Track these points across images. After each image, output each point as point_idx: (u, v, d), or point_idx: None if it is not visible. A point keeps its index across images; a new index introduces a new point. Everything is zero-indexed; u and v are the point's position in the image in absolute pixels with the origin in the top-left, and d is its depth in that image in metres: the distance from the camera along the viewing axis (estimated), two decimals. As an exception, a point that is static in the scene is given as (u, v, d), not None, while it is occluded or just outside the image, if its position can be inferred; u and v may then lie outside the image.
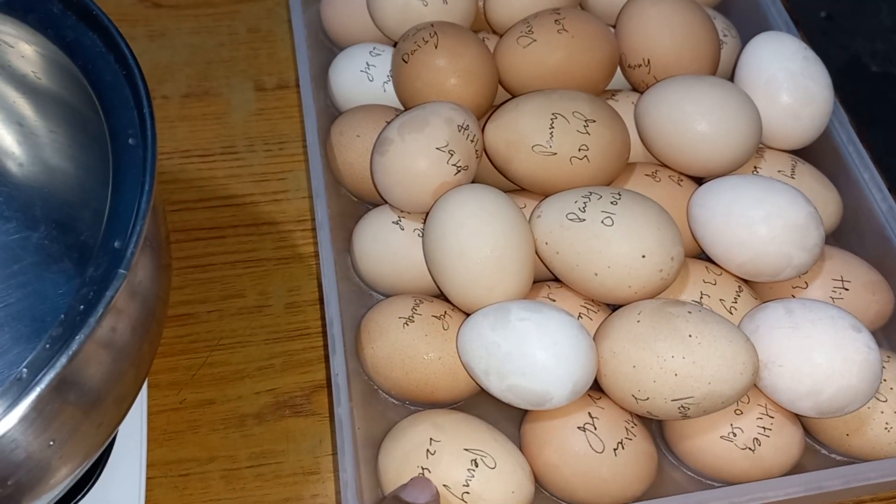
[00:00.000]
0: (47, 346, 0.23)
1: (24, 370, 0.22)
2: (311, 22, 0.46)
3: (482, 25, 0.44)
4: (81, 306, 0.24)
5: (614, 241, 0.32)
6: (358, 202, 0.41)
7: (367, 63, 0.42)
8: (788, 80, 0.37)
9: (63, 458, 0.26)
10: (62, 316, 0.23)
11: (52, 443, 0.24)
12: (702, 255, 0.36)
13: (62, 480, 0.27)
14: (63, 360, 0.22)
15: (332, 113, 0.43)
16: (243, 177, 0.44)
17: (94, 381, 0.26)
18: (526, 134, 0.35)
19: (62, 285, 0.36)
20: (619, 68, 0.41)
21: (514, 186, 0.38)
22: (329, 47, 0.47)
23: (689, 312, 0.30)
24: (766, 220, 0.33)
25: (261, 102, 0.47)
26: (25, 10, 0.30)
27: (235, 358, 0.38)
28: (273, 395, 0.37)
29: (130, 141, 0.27)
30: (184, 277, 0.40)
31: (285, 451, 0.36)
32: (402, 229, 0.36)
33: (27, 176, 0.37)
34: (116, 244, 0.24)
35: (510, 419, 0.34)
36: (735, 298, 0.34)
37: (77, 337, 0.22)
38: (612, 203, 0.33)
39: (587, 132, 0.35)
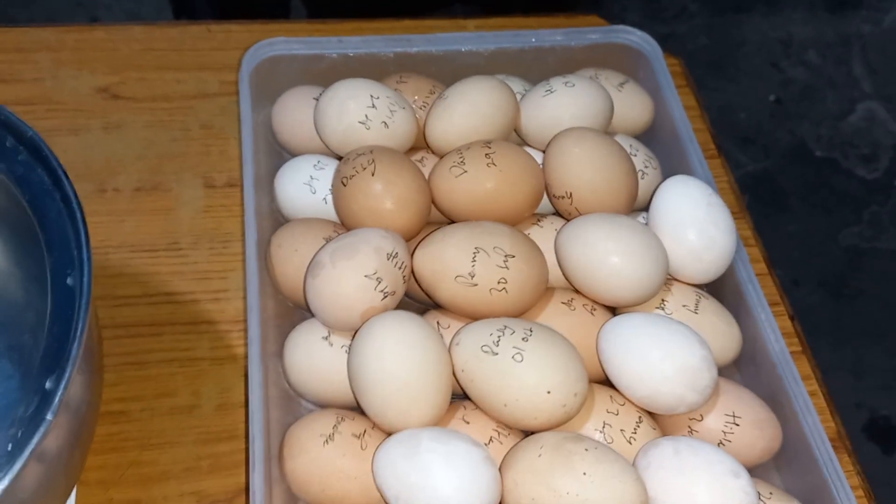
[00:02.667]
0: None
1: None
2: (263, 124, 0.49)
3: (423, 144, 0.47)
4: (9, 445, 0.25)
5: (523, 376, 0.35)
6: (294, 307, 0.43)
7: (310, 176, 0.45)
8: (693, 225, 0.40)
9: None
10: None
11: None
12: (607, 381, 0.39)
13: None
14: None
15: (277, 217, 0.46)
16: (186, 274, 0.46)
17: (26, 495, 0.27)
18: (450, 265, 0.38)
19: (0, 384, 0.37)
20: (545, 196, 0.44)
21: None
22: (278, 150, 0.49)
23: (586, 450, 0.33)
24: (661, 360, 0.36)
25: (209, 199, 0.49)
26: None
27: (164, 458, 0.40)
28: (197, 498, 0.39)
29: (69, 281, 0.29)
30: (120, 374, 0.42)
31: (205, 555, 0.37)
32: (331, 345, 0.39)
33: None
34: (48, 385, 0.26)
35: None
36: (635, 429, 0.36)
37: (4, 480, 0.24)
38: (523, 339, 0.35)
39: (506, 266, 0.38)
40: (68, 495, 0.32)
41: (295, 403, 0.40)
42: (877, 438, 1.10)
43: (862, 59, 1.62)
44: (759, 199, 1.32)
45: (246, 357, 0.43)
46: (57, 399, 0.26)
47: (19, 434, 0.26)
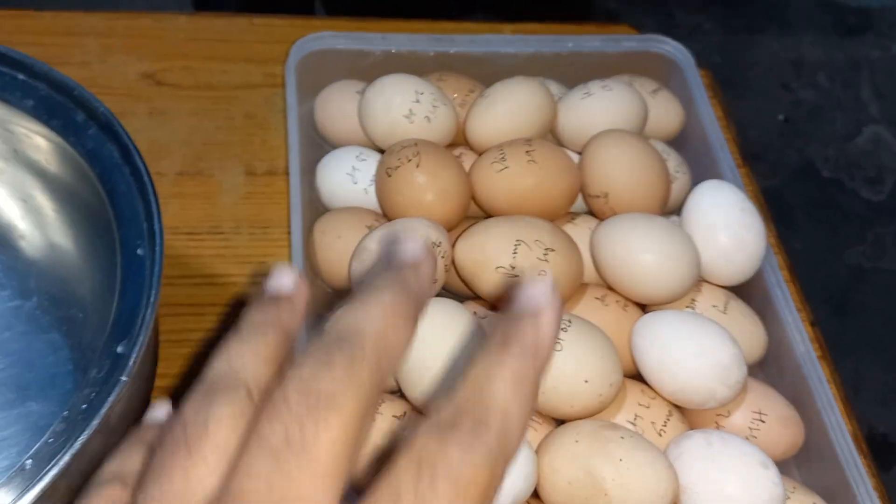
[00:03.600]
0: (50, 440, 0.26)
1: (29, 461, 0.25)
2: (304, 116, 0.50)
3: (461, 140, 0.48)
4: (83, 405, 0.27)
5: (561, 365, 0.36)
6: (332, 294, 0.44)
7: (352, 167, 0.46)
8: (725, 228, 0.42)
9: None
10: (65, 412, 0.26)
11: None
12: (639, 376, 0.40)
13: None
14: (66, 458, 0.25)
15: (316, 206, 0.47)
16: (227, 257, 0.48)
17: (88, 467, 0.28)
18: (491, 255, 0.39)
19: (49, 355, 0.38)
20: (580, 195, 0.46)
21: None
22: (319, 143, 0.50)
23: (622, 438, 0.34)
24: (695, 356, 0.37)
25: (250, 186, 0.51)
26: (49, 115, 0.33)
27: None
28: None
29: (139, 251, 0.30)
30: (164, 350, 0.43)
31: None
32: (372, 329, 0.40)
33: (27, 248, 0.40)
34: (119, 349, 0.28)
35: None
36: (665, 422, 0.38)
37: (80, 437, 0.25)
38: (562, 329, 0.37)
39: (546, 259, 0.39)
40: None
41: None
42: (874, 454, 1.11)
43: (870, 84, 1.64)
44: (768, 214, 1.34)
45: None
46: (132, 361, 0.27)
47: (92, 395, 0.27)
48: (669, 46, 0.53)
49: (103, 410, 0.26)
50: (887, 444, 1.13)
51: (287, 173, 0.51)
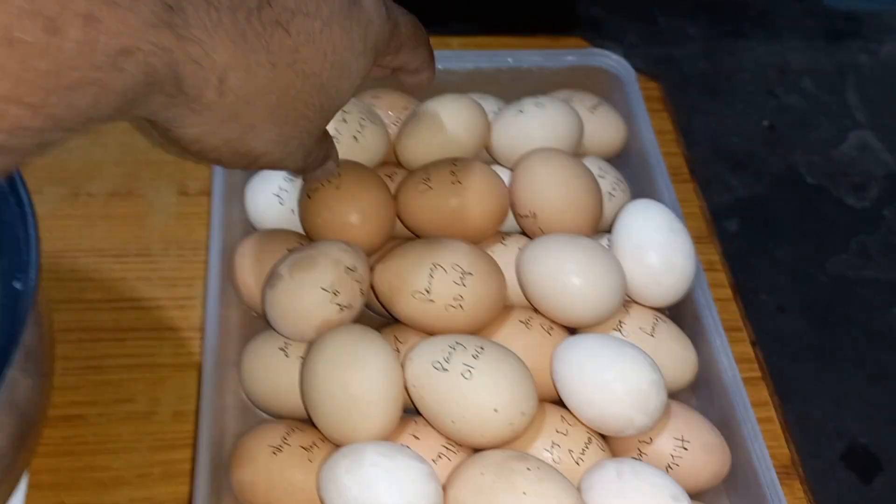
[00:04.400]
0: None
1: None
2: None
3: (395, 158, 0.47)
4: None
5: (470, 393, 0.35)
6: (256, 317, 0.43)
7: (279, 187, 0.45)
8: (654, 249, 0.41)
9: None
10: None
11: None
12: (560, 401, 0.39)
13: None
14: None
15: (246, 227, 0.46)
16: (153, 280, 0.47)
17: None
18: (407, 281, 0.38)
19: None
20: (511, 214, 0.45)
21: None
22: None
23: (528, 469, 0.33)
24: (612, 382, 0.36)
25: (182, 207, 0.50)
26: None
27: (117, 463, 0.40)
28: (148, 504, 0.39)
29: (16, 284, 0.29)
30: (79, 378, 0.42)
31: (153, 561, 0.37)
32: (288, 356, 0.39)
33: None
34: (-16, 388, 0.27)
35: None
36: (583, 450, 0.37)
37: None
38: (473, 356, 0.36)
39: (463, 284, 0.38)
40: (9, 497, 0.32)
41: (251, 413, 0.40)
42: (855, 467, 1.10)
43: (856, 89, 1.63)
44: (748, 224, 1.32)
45: (203, 365, 0.43)
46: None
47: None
48: (612, 60, 0.52)
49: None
50: (868, 457, 1.11)
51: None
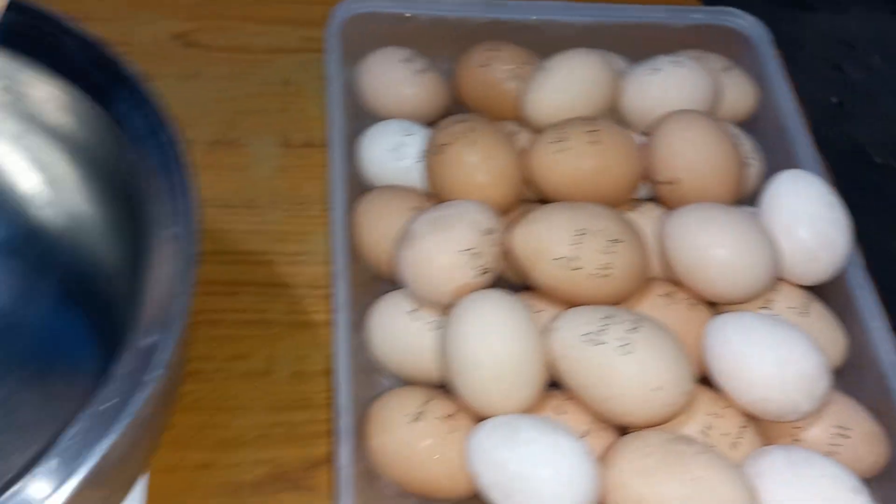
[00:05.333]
0: (77, 437, 0.23)
1: (55, 460, 0.22)
2: (345, 85, 0.46)
3: (511, 115, 0.45)
4: (115, 400, 0.24)
5: (630, 371, 0.33)
6: (376, 277, 0.41)
7: (398, 142, 0.43)
8: (810, 223, 0.38)
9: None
10: (93, 407, 0.24)
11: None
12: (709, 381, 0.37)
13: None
14: (95, 459, 0.22)
15: (356, 182, 0.44)
16: (262, 233, 0.44)
17: (118, 457, 0.26)
18: (550, 245, 0.36)
19: (71, 333, 0.36)
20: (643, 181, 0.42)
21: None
22: (359, 114, 0.47)
23: (698, 453, 0.31)
24: (777, 365, 0.34)
25: (285, 159, 0.48)
26: (75, 75, 0.30)
27: (237, 422, 0.38)
28: (271, 466, 0.37)
29: (171, 230, 0.27)
30: (194, 332, 0.40)
31: (277, 527, 0.36)
32: (418, 320, 0.37)
33: (48, 220, 0.37)
34: (151, 341, 0.25)
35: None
36: (740, 434, 0.34)
37: (109, 437, 0.23)
38: (631, 330, 0.33)
39: (611, 252, 0.36)
40: (151, 456, 0.30)
41: (374, 377, 0.38)
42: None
43: (924, 65, 1.58)
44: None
45: (326, 325, 0.41)
46: (167, 356, 0.24)
47: (124, 390, 0.24)
48: (743, 20, 0.49)
49: (135, 409, 0.24)
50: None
51: (325, 146, 0.48)
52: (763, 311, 0.38)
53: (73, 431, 0.23)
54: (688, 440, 0.32)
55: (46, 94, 0.31)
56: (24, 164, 0.36)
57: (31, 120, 0.33)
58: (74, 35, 0.30)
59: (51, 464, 0.23)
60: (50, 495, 0.22)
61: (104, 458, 0.23)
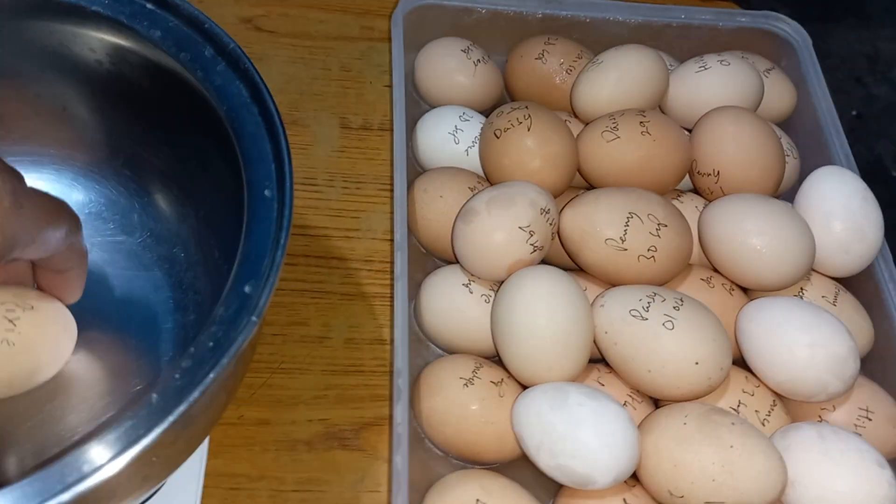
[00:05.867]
0: (176, 375, 0.25)
1: (155, 396, 0.25)
2: (404, 73, 0.49)
3: (563, 106, 0.47)
4: (210, 343, 0.26)
5: (672, 345, 0.35)
6: (426, 254, 0.43)
7: (455, 126, 0.45)
8: (845, 217, 0.40)
9: (159, 471, 0.28)
10: (192, 349, 0.26)
11: (155, 459, 0.27)
12: (742, 362, 0.39)
13: (149, 489, 0.30)
14: (195, 394, 0.24)
15: (411, 164, 0.46)
16: (320, 209, 0.47)
17: (204, 408, 0.28)
18: (601, 227, 0.38)
19: (150, 293, 0.38)
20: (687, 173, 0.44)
21: (573, 264, 0.41)
22: (416, 99, 0.49)
23: (733, 424, 0.33)
24: (809, 346, 0.35)
25: (344, 140, 0.50)
26: (177, 47, 0.32)
27: (293, 383, 0.40)
28: (324, 426, 0.39)
29: (266, 192, 0.29)
30: (255, 298, 0.43)
31: (330, 481, 0.38)
32: (471, 293, 0.39)
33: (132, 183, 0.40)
34: (247, 289, 0.27)
35: (545, 487, 0.36)
36: (769, 412, 0.36)
37: (209, 375, 0.25)
38: (674, 308, 0.35)
39: (658, 235, 0.38)
40: (224, 410, 0.32)
41: (424, 347, 0.41)
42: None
43: (952, 82, 1.58)
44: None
45: (377, 296, 0.44)
46: (262, 302, 0.26)
47: (220, 334, 0.26)
48: (785, 25, 0.51)
49: (233, 349, 0.26)
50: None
51: (381, 129, 0.51)
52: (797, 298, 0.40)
53: (184, 365, 0.25)
54: (724, 412, 0.34)
55: (144, 61, 0.34)
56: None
57: (132, 90, 0.35)
58: (177, 9, 0.32)
59: (152, 399, 0.25)
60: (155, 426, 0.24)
61: (203, 395, 0.25)
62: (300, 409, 0.40)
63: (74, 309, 0.33)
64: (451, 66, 0.48)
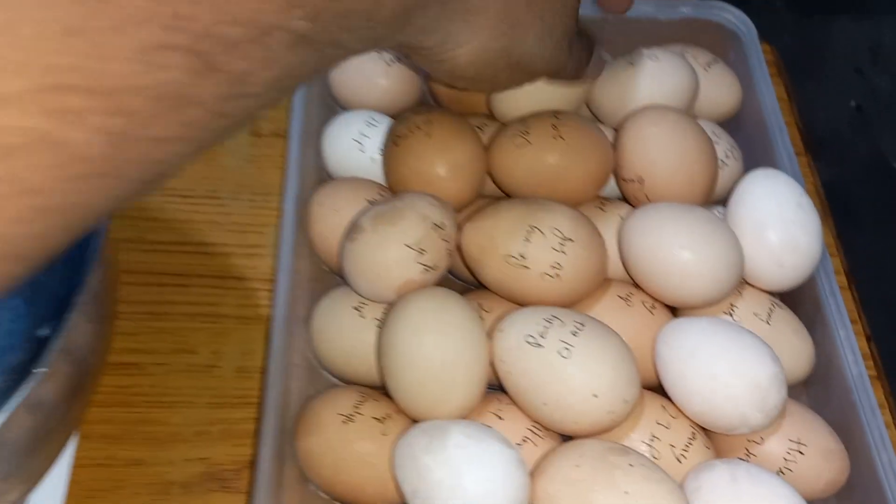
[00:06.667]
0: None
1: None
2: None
3: (484, 109, 0.43)
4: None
5: (567, 375, 0.31)
6: (328, 272, 0.40)
7: (360, 132, 0.41)
8: (777, 225, 0.36)
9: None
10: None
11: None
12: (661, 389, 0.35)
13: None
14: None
15: (321, 174, 0.43)
16: (222, 224, 0.44)
17: (19, 444, 0.25)
18: (500, 243, 0.34)
19: (8, 323, 0.35)
20: (613, 178, 0.40)
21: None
22: (331, 103, 0.46)
23: (631, 465, 0.29)
24: (726, 374, 0.32)
25: (254, 148, 0.47)
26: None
27: (175, 418, 0.37)
28: (204, 465, 0.36)
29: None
30: (138, 323, 0.39)
31: (206, 527, 0.35)
32: (363, 317, 0.36)
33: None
34: (41, 333, 0.24)
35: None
36: (686, 446, 0.33)
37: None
38: (572, 333, 0.32)
39: (563, 251, 0.34)
40: (64, 445, 0.29)
41: (318, 376, 0.37)
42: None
43: (955, 72, 1.53)
44: (827, 210, 1.25)
45: (272, 319, 0.40)
46: (54, 349, 0.23)
47: (8, 384, 0.23)
48: (731, 15, 0.47)
49: (12, 403, 0.23)
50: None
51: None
52: (724, 317, 0.36)
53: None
54: (624, 451, 0.30)
55: None
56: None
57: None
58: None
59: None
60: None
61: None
62: (179, 447, 0.36)
63: None
64: (365, 66, 0.44)
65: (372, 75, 0.44)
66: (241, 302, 0.41)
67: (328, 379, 0.37)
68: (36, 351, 0.24)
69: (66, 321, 0.24)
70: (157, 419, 0.37)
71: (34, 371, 0.23)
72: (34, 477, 0.29)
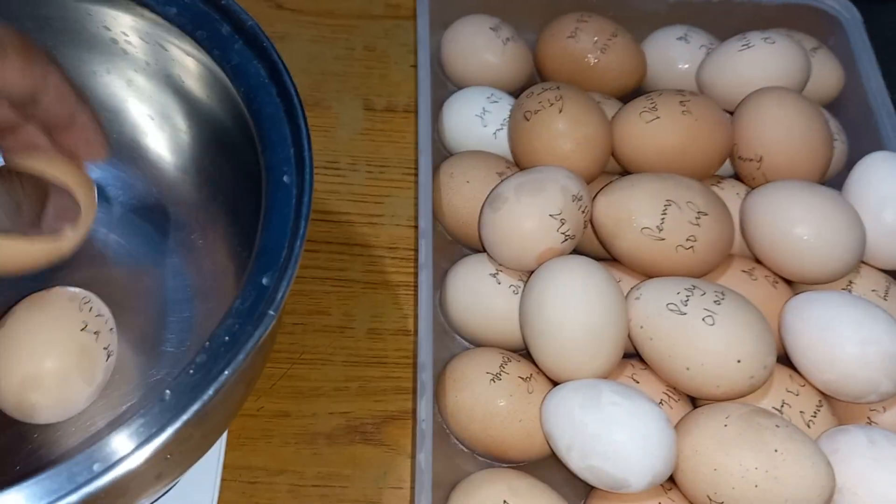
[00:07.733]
0: (191, 371, 0.24)
1: (168, 392, 0.23)
2: (432, 51, 0.47)
3: (593, 86, 0.45)
4: (226, 337, 0.25)
5: (712, 341, 0.33)
6: (452, 241, 0.42)
7: (482, 108, 0.43)
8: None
9: (174, 468, 0.27)
10: (206, 343, 0.24)
11: (169, 456, 0.26)
12: (785, 359, 0.37)
13: (165, 486, 0.29)
14: (210, 392, 0.23)
15: (437, 148, 0.44)
16: (342, 194, 0.45)
17: (219, 404, 0.27)
18: (637, 215, 0.36)
19: (168, 280, 0.37)
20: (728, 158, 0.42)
21: (606, 254, 0.39)
22: (443, 80, 0.48)
23: (777, 426, 0.31)
24: (861, 343, 0.33)
25: (368, 122, 0.48)
26: (193, 25, 0.31)
27: (314, 374, 0.39)
28: (345, 419, 0.38)
29: (285, 178, 0.28)
30: (275, 286, 0.41)
31: (351, 476, 0.37)
32: (499, 283, 0.37)
33: (153, 168, 0.38)
34: (265, 281, 0.26)
35: (575, 488, 0.34)
36: (815, 413, 0.34)
37: (225, 371, 0.23)
38: (715, 302, 0.33)
39: (698, 224, 0.36)
40: (243, 403, 0.31)
41: (449, 338, 0.39)
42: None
43: None
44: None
45: (401, 285, 0.42)
46: (280, 295, 0.25)
47: (236, 327, 0.25)
48: (833, 1, 0.48)
49: (249, 344, 0.24)
50: None
51: (407, 111, 0.49)
52: (844, 293, 0.37)
53: (199, 360, 0.24)
54: (768, 414, 0.32)
55: (162, 43, 0.32)
56: (140, 113, 0.37)
57: (151, 70, 0.34)
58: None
59: (166, 396, 0.23)
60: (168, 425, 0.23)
61: (217, 392, 0.24)
62: (321, 401, 0.38)
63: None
64: (479, 45, 0.46)
65: (486, 53, 0.46)
66: (367, 268, 0.43)
67: (460, 342, 0.39)
68: (256, 298, 0.26)
69: (290, 270, 0.26)
70: (299, 374, 0.39)
71: (269, 313, 0.25)
72: (220, 429, 0.31)
